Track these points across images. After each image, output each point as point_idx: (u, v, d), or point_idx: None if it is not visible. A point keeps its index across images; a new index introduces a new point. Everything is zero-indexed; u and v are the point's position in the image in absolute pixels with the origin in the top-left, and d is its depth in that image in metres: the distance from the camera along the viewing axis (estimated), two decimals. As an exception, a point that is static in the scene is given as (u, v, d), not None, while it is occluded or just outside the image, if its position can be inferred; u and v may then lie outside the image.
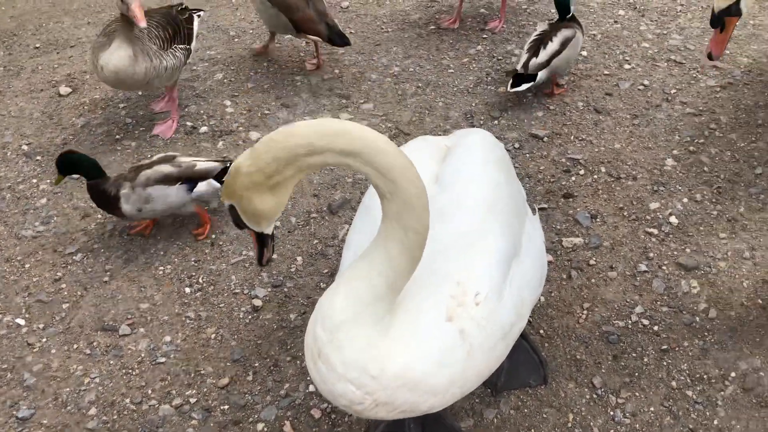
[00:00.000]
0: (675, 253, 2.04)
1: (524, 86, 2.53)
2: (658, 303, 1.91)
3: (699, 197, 2.21)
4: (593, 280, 1.99)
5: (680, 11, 3.14)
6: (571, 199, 2.25)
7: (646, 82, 2.72)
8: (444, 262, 1.21)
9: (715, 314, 1.87)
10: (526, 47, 2.60)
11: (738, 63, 2.78)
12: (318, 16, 2.66)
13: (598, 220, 2.17)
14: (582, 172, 2.35)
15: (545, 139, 2.50)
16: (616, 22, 3.09)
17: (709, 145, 2.41)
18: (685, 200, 2.21)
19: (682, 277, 1.97)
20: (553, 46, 2.54)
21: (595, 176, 2.33)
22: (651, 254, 2.04)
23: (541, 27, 2.66)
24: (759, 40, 2.90)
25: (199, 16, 2.76)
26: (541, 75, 2.54)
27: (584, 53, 2.90)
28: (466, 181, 1.31)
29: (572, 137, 2.50)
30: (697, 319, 1.86)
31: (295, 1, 2.65)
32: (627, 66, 2.82)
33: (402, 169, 1.05)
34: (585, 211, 2.20)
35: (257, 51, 3.06)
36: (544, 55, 2.53)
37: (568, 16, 2.66)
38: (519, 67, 2.55)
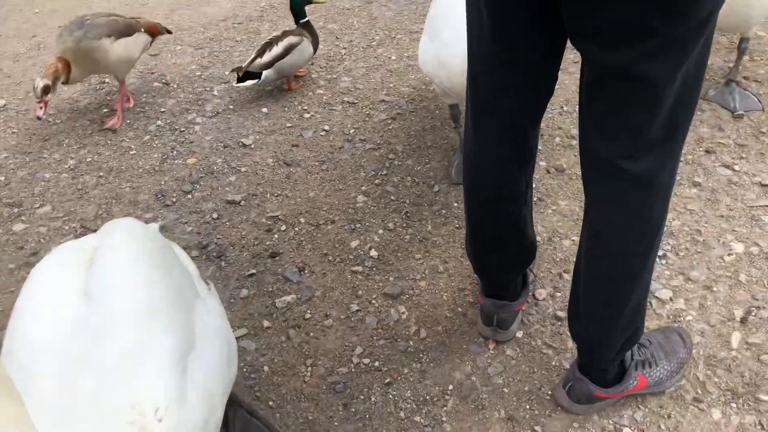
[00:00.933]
0: (380, 284, 2.14)
1: (249, 82, 2.86)
2: (375, 338, 1.97)
3: (392, 225, 2.35)
4: (312, 334, 1.99)
5: (344, 54, 3.36)
6: (277, 258, 2.25)
7: (326, 128, 2.84)
8: (110, 390, 1.09)
9: (425, 334, 1.98)
10: (256, 50, 2.92)
11: (402, 94, 3.04)
12: None
13: (306, 271, 2.19)
14: (283, 227, 2.37)
15: (242, 202, 2.48)
16: (289, 74, 3.20)
17: (392, 174, 2.58)
18: (381, 231, 2.33)
19: (391, 306, 2.07)
20: (277, 49, 2.86)
21: (297, 228, 2.36)
22: (360, 292, 2.11)
23: (275, 33, 2.99)
24: (414, 69, 3.20)
25: None
26: (267, 74, 2.85)
27: (265, 110, 2.96)
28: (117, 289, 1.20)
29: (268, 195, 2.51)
30: (411, 343, 1.95)
31: None
32: (307, 115, 2.93)
33: None
34: (293, 266, 2.21)
35: None
36: (267, 56, 2.85)
37: (302, 21, 3.00)
38: (244, 65, 2.86)
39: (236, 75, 2.90)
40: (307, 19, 3.03)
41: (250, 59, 2.90)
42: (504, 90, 1.50)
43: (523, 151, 1.62)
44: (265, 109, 2.96)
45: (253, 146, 2.76)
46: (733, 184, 2.41)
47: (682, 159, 2.54)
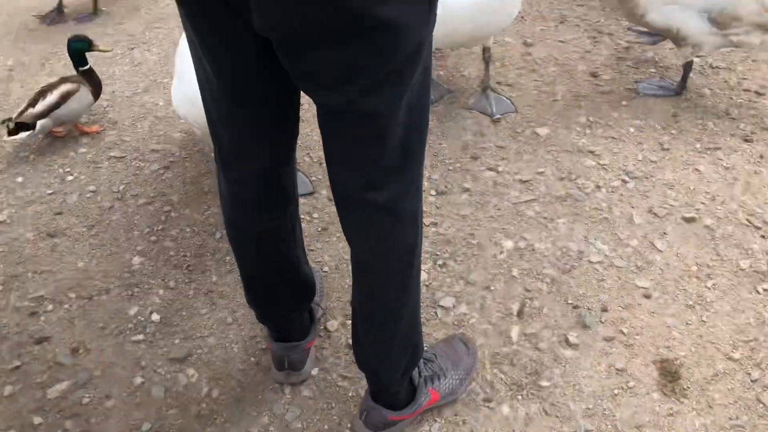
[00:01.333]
0: (166, 350, 2.00)
1: (23, 134, 2.66)
2: (164, 409, 1.84)
3: (173, 283, 2.22)
4: (93, 420, 1.81)
5: (107, 106, 3.15)
6: (45, 342, 2.03)
7: (93, 188, 2.64)
8: None
9: (218, 393, 1.88)
10: (28, 99, 2.70)
11: (174, 140, 2.91)
12: None
13: (81, 351, 2.00)
14: (50, 307, 2.15)
15: (-1, 287, 2.22)
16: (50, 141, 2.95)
17: (170, 228, 2.45)
18: (161, 292, 2.19)
19: (179, 370, 1.94)
20: (52, 98, 2.68)
21: (66, 306, 2.15)
22: (143, 362, 1.97)
23: (52, 79, 2.81)
24: (185, 114, 3.08)
25: None
26: (44, 124, 2.69)
27: (20, 179, 2.69)
28: None
29: (30, 274, 2.27)
30: (204, 405, 1.85)
31: None
32: (69, 177, 2.70)
33: None
34: (65, 349, 2.01)
35: None
36: (41, 105, 2.66)
37: (83, 68, 2.80)
38: (14, 116, 2.63)
39: (6, 127, 2.67)
40: (88, 66, 2.84)
41: (21, 109, 2.69)
42: (243, 137, 1.46)
43: (278, 193, 1.59)
44: (20, 178, 2.69)
45: (8, 221, 2.49)
46: (498, 185, 2.57)
47: (451, 167, 2.68)
